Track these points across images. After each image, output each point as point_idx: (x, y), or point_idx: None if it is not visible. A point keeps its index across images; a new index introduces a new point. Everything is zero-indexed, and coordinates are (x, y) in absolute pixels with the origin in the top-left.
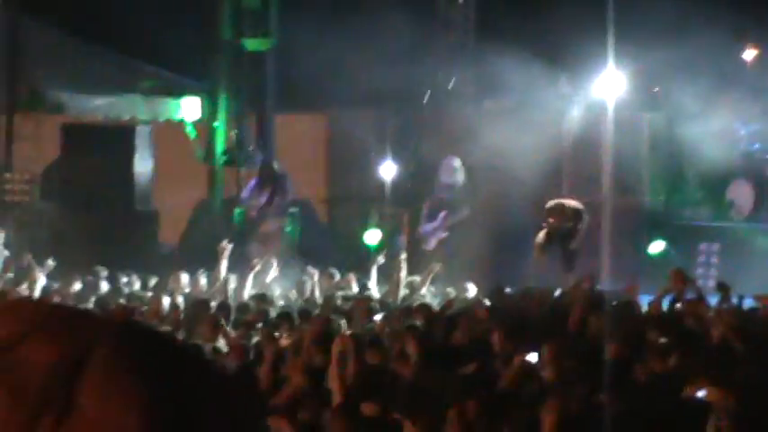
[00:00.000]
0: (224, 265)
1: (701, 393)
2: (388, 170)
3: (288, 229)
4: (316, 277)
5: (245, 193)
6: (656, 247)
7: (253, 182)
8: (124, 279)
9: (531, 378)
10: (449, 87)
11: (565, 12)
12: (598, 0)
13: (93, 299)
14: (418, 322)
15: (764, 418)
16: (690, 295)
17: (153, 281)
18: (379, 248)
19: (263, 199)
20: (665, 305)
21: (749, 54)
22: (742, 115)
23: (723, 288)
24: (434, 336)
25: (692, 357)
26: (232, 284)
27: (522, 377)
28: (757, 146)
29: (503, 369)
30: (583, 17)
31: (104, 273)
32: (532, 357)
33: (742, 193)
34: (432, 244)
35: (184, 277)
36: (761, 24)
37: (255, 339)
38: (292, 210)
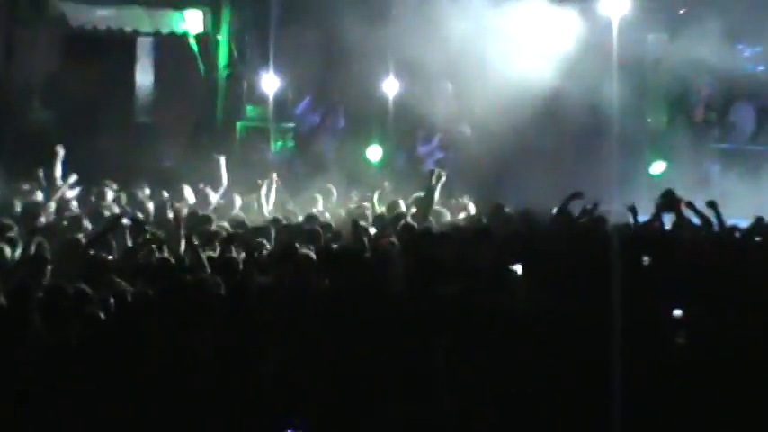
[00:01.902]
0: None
1: (676, 311)
2: (390, 87)
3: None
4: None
5: (298, 110)
6: (658, 167)
7: (306, 100)
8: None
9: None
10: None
11: None
12: None
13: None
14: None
15: (732, 337)
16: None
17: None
18: (381, 165)
19: (317, 119)
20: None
21: None
22: (747, 37)
23: (712, 205)
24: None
25: (672, 276)
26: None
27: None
28: (761, 68)
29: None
30: None
31: (114, 186)
32: (517, 268)
33: (744, 116)
34: (429, 165)
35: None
36: None
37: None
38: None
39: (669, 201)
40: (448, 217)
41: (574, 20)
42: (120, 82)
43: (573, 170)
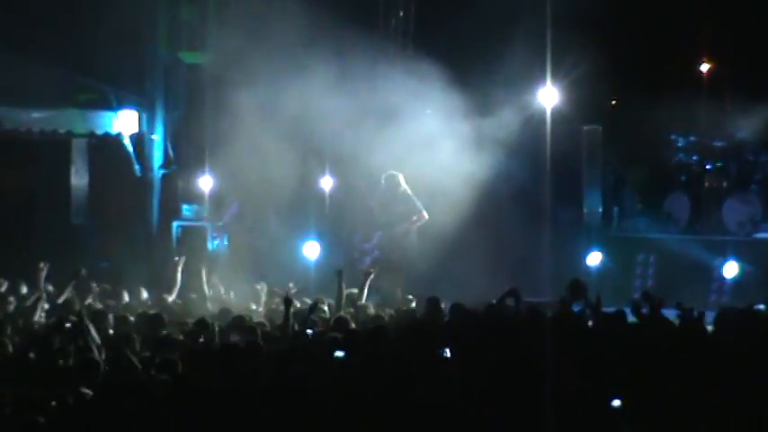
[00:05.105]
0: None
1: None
2: (326, 183)
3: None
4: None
5: (225, 217)
6: (594, 258)
7: (234, 206)
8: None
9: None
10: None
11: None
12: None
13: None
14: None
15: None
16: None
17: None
18: (318, 262)
19: (248, 223)
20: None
21: (704, 67)
22: (681, 127)
23: (649, 298)
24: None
25: (610, 368)
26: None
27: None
28: (695, 158)
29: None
30: (522, 26)
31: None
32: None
33: (679, 205)
34: (366, 263)
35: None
36: (717, 38)
37: None
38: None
39: (576, 289)
40: (372, 310)
41: (509, 112)
42: (56, 184)
43: (511, 263)
